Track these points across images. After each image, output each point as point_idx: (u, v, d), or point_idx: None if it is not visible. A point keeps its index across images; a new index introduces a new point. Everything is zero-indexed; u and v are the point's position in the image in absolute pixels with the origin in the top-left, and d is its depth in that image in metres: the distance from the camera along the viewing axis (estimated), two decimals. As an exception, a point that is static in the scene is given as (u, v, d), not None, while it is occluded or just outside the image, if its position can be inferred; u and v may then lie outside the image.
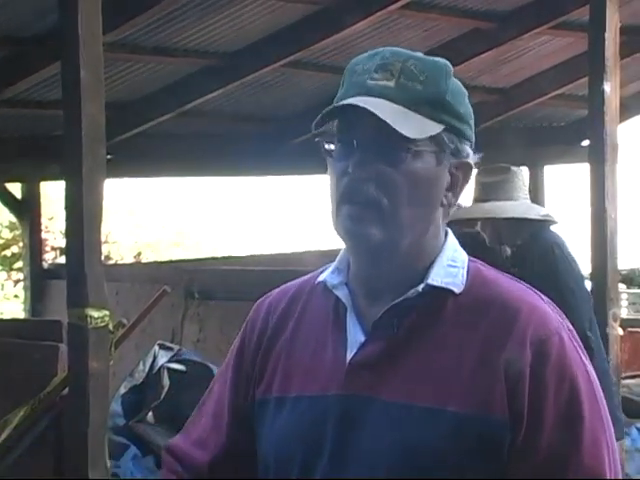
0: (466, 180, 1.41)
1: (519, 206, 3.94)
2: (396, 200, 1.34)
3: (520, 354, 1.31)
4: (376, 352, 1.37)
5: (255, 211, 19.36)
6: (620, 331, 5.03)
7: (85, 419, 3.61)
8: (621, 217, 4.96)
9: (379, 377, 1.36)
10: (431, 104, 1.35)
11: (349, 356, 1.38)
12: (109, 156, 3.90)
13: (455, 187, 1.40)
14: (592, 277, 4.79)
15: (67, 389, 3.99)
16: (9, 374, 4.53)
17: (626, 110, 7.70)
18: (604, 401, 1.36)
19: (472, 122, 1.42)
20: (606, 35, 4.82)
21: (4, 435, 4.16)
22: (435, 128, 1.35)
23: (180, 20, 6.13)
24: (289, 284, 1.55)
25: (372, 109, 1.32)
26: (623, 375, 5.72)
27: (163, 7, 5.76)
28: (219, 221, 19.41)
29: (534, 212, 4.00)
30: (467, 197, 4.04)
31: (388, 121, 1.31)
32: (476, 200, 4.02)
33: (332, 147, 1.38)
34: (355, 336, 1.39)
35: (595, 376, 1.37)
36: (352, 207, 1.34)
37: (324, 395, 1.38)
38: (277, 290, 1.55)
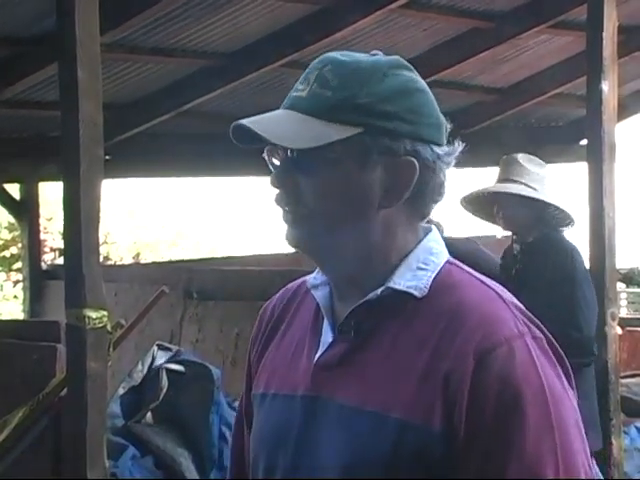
0: (408, 178, 1.34)
1: (546, 196, 3.89)
2: (315, 207, 1.34)
3: (461, 366, 1.27)
4: (337, 354, 1.37)
5: (255, 211, 19.37)
6: (619, 330, 5.03)
7: (83, 420, 3.60)
8: (619, 216, 4.96)
9: (337, 379, 1.35)
10: (339, 108, 1.33)
11: (317, 357, 1.39)
12: (107, 157, 3.90)
13: (395, 187, 1.35)
14: (590, 276, 4.79)
15: (65, 390, 3.98)
16: (8, 375, 4.54)
17: (624, 109, 7.71)
18: (567, 413, 1.29)
19: (418, 117, 1.35)
20: (604, 34, 4.83)
21: (3, 436, 4.16)
22: (344, 132, 1.32)
23: (178, 20, 6.13)
24: (290, 285, 1.56)
25: (254, 126, 1.34)
26: (622, 374, 5.72)
27: (161, 7, 5.76)
28: (218, 221, 19.42)
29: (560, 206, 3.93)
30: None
31: (269, 138, 1.33)
32: (506, 179, 3.94)
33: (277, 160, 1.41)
34: (326, 337, 1.40)
35: (560, 386, 1.30)
36: (283, 213, 1.39)
37: (293, 395, 1.40)
38: (280, 292, 1.57)
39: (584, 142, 6.05)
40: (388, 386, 1.31)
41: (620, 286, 10.30)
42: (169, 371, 5.05)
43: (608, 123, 4.83)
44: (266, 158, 1.42)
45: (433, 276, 1.36)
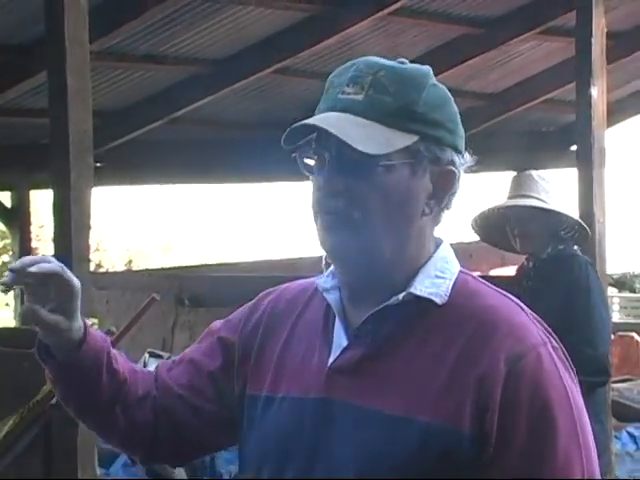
0: (451, 187, 1.39)
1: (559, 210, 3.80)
2: (367, 212, 1.35)
3: (493, 371, 1.30)
4: (355, 358, 1.37)
5: (247, 218, 19.36)
6: (611, 335, 5.03)
7: (74, 428, 3.60)
8: (609, 221, 4.97)
9: (355, 383, 1.36)
10: (401, 116, 1.35)
11: (330, 360, 1.39)
12: (98, 164, 3.90)
13: (438, 195, 1.39)
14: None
15: (56, 398, 3.97)
16: (-2, 383, 4.52)
17: (614, 115, 7.74)
18: (584, 419, 1.34)
19: (456, 127, 1.40)
20: (593, 40, 4.85)
21: (-6, 444, 4.14)
22: (405, 140, 1.35)
23: (169, 28, 6.13)
24: (295, 283, 1.56)
25: (331, 128, 1.33)
26: (613, 379, 5.73)
27: (152, 15, 5.77)
28: (210, 228, 19.41)
29: (574, 219, 3.84)
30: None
31: (347, 140, 1.32)
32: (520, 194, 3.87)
33: (311, 161, 1.39)
34: (339, 340, 1.40)
35: (578, 395, 1.35)
36: (326, 217, 1.36)
37: (305, 398, 1.39)
38: (282, 287, 1.56)
39: (574, 147, 6.06)
40: (412, 390, 1.32)
41: (612, 291, 10.32)
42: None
43: (598, 129, 4.84)
44: (301, 160, 1.40)
45: (451, 284, 1.39)
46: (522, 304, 1.40)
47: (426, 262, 1.40)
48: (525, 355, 1.31)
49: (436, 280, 1.38)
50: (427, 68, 1.41)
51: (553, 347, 1.35)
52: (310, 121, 1.35)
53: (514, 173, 8.43)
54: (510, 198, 3.93)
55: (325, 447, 1.36)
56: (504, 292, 1.42)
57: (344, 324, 1.41)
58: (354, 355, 1.38)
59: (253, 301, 1.56)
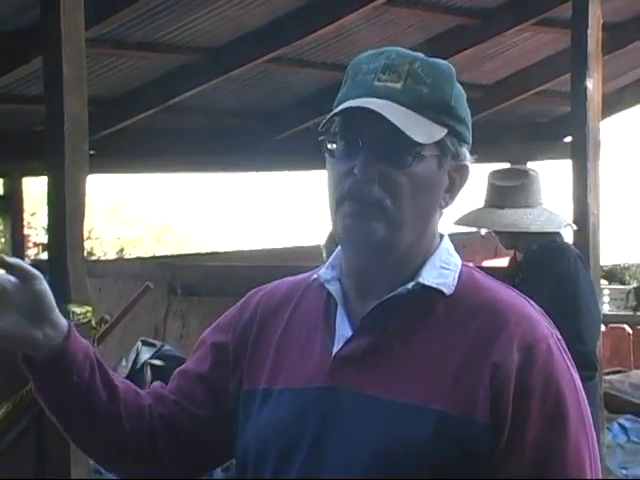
0: (463, 182, 1.42)
1: (539, 216, 3.76)
2: (399, 201, 1.35)
3: (507, 359, 1.32)
4: (362, 347, 1.38)
5: (240, 206, 19.36)
6: (602, 327, 5.05)
7: (67, 416, 3.59)
8: (603, 213, 4.98)
9: (363, 372, 1.36)
10: (436, 108, 1.36)
11: (335, 350, 1.39)
12: (92, 152, 3.89)
13: (452, 189, 1.41)
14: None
15: (49, 385, 3.96)
16: (-9, 371, 4.51)
17: (609, 106, 7.73)
18: (588, 409, 1.38)
19: (470, 124, 1.43)
20: (588, 31, 4.85)
21: (-14, 432, 4.14)
22: (440, 132, 1.37)
23: (164, 15, 6.11)
24: (285, 280, 1.56)
25: (384, 113, 1.32)
26: (605, 371, 5.75)
27: (147, 2, 5.74)
28: (203, 217, 19.40)
29: (557, 223, 3.80)
30: (476, 200, 3.87)
31: (400, 126, 1.32)
32: (491, 205, 3.81)
33: (334, 146, 1.38)
34: (343, 331, 1.40)
35: (580, 385, 1.38)
36: (355, 204, 1.35)
37: (308, 387, 1.39)
38: (272, 284, 1.56)
39: (568, 139, 6.06)
40: (423, 379, 1.34)
41: (603, 283, 10.33)
42: (153, 366, 5.04)
43: (592, 120, 4.85)
44: (325, 145, 1.38)
45: (457, 276, 1.41)
46: (527, 297, 1.43)
47: (433, 254, 1.42)
48: (537, 344, 1.34)
49: (443, 271, 1.40)
50: (449, 64, 1.42)
51: (558, 338, 1.39)
52: (365, 104, 1.33)
53: (507, 165, 8.44)
54: (487, 205, 3.84)
55: (332, 437, 1.35)
56: (507, 285, 1.44)
57: (347, 314, 1.41)
58: (361, 345, 1.38)
59: (242, 300, 1.56)
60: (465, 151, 1.41)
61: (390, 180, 1.35)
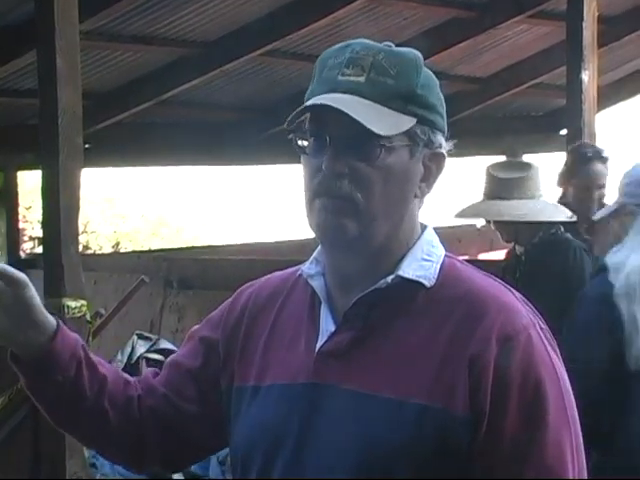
0: (439, 170, 1.41)
1: (545, 207, 3.72)
2: (370, 195, 1.35)
3: (485, 351, 1.31)
4: (344, 342, 1.37)
5: (235, 200, 19.34)
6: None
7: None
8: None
9: (346, 367, 1.36)
10: (403, 98, 1.35)
11: (319, 345, 1.39)
12: (87, 145, 3.88)
13: (428, 178, 1.40)
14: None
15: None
16: (-14, 365, 4.50)
17: (604, 99, 7.74)
18: (572, 400, 1.36)
19: (444, 111, 1.42)
20: (584, 24, 4.85)
21: (-19, 426, 4.14)
22: (407, 122, 1.35)
23: (158, 8, 6.10)
24: (274, 275, 1.55)
25: (344, 108, 1.32)
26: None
27: (141, -5, 5.74)
28: (199, 210, 19.38)
29: (561, 214, 3.74)
30: (477, 192, 3.84)
31: (360, 120, 1.31)
32: (492, 196, 3.76)
33: (305, 143, 1.38)
34: (326, 326, 1.40)
35: (565, 375, 1.36)
36: (326, 200, 1.35)
37: (293, 384, 1.39)
38: (261, 280, 1.56)
39: (564, 132, 6.06)
40: (404, 372, 1.33)
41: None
42: (149, 360, 5.04)
43: (588, 113, 4.86)
44: (296, 141, 1.39)
45: (439, 267, 1.39)
46: (509, 286, 1.41)
47: (413, 245, 1.41)
48: (516, 335, 1.33)
49: (423, 263, 1.39)
50: (416, 52, 1.41)
51: (541, 328, 1.37)
52: (324, 101, 1.33)
53: (503, 157, 8.44)
54: (489, 197, 3.81)
55: (316, 432, 1.36)
56: (489, 275, 1.43)
57: (331, 309, 1.41)
58: (343, 339, 1.38)
59: (232, 297, 1.56)
60: (440, 139, 1.40)
61: (359, 174, 1.34)
